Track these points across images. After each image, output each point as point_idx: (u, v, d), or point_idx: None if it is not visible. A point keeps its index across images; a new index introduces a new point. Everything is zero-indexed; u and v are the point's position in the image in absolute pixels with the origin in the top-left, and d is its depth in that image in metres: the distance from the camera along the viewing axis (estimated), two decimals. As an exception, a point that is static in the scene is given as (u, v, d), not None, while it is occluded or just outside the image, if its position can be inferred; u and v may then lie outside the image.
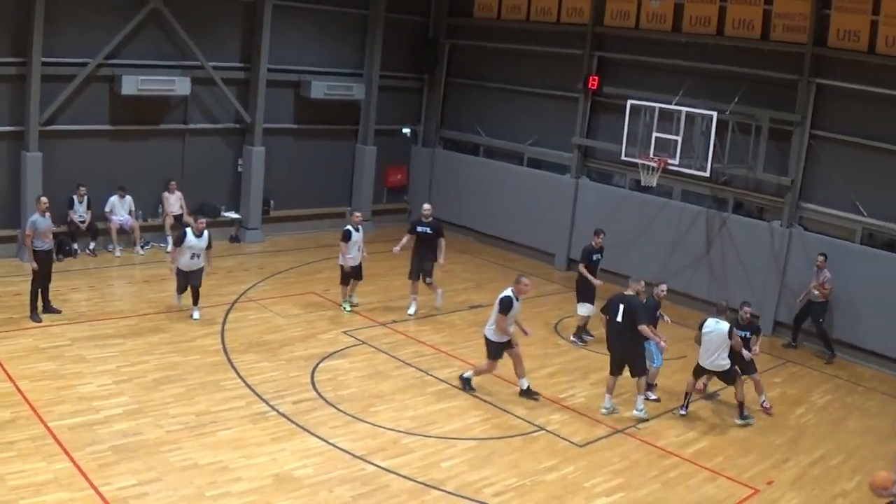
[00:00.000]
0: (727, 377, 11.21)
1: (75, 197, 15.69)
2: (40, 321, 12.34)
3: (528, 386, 11.41)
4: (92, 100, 16.00)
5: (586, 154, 18.24)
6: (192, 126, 17.50)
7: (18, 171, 15.26)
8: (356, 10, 19.35)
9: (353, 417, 10.35)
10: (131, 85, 15.80)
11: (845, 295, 14.07)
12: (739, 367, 11.30)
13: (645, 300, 11.31)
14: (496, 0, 19.59)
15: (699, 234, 16.18)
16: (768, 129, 14.83)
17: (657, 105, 15.12)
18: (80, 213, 15.78)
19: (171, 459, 8.86)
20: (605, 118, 17.79)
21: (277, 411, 10.30)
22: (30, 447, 8.76)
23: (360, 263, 14.19)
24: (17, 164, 15.27)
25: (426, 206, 14.63)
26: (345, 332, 13.24)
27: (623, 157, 15.94)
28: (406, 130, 21.14)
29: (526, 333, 11.45)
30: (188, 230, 13.08)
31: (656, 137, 15.06)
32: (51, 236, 12.74)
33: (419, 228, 14.24)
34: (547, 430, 10.54)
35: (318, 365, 11.87)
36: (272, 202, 18.80)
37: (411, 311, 14.38)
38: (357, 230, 14.01)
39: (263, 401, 10.55)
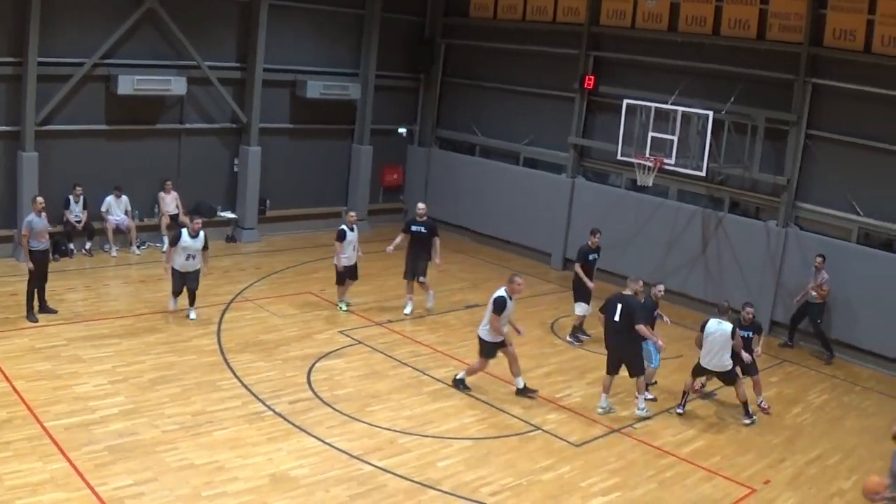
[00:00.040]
0: (727, 378, 11.21)
1: (71, 197, 15.67)
2: (36, 321, 12.32)
3: (525, 384, 11.42)
4: (88, 100, 15.98)
5: (582, 154, 18.24)
6: (188, 126, 17.48)
7: (14, 171, 15.25)
8: (352, 9, 19.34)
9: (350, 417, 10.35)
10: (127, 85, 15.79)
11: (842, 295, 14.07)
12: (741, 369, 11.31)
13: (643, 300, 11.33)
14: (492, 0, 19.62)
15: (695, 233, 16.18)
16: (764, 129, 14.82)
17: (653, 105, 15.14)
18: (77, 213, 15.76)
19: (168, 459, 8.85)
20: (601, 118, 17.79)
21: (274, 411, 10.29)
22: (26, 447, 8.74)
23: (356, 263, 14.19)
24: (13, 164, 15.26)
25: (420, 205, 14.62)
26: (341, 332, 13.23)
27: (619, 157, 15.94)
28: (402, 130, 21.15)
29: (519, 333, 11.45)
30: (184, 231, 13.07)
31: (652, 137, 15.08)
32: (47, 236, 12.72)
33: (413, 228, 14.24)
34: (543, 430, 10.53)
35: (314, 365, 11.86)
36: (268, 202, 18.80)
37: (407, 310, 14.39)
38: (352, 230, 14.00)
39: (260, 401, 10.53)
